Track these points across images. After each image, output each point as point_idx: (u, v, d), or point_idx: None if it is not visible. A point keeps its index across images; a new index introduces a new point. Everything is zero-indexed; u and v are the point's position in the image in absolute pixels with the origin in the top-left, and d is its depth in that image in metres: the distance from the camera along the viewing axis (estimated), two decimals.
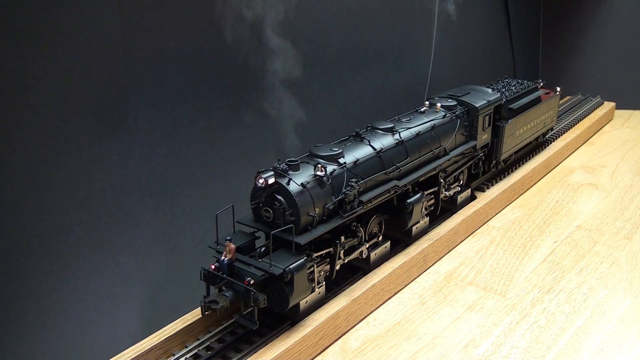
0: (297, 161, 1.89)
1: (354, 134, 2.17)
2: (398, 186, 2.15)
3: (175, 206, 2.21)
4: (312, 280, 1.85)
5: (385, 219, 2.19)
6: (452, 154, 2.47)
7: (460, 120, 2.54)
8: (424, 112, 2.49)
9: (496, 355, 1.85)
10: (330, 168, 1.93)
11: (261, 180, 1.77)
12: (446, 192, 2.49)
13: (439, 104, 2.54)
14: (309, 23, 2.70)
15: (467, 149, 2.58)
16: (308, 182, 1.84)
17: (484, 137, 2.71)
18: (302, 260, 1.76)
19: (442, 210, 2.51)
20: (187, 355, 1.75)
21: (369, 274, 2.12)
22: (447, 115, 2.50)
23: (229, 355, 1.76)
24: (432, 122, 2.39)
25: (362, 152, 2.08)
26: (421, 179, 2.30)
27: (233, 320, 1.85)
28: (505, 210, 2.87)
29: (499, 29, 4.31)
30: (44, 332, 1.83)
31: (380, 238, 2.18)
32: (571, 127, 3.75)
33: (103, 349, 1.85)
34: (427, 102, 2.59)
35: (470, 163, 2.67)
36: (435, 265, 2.38)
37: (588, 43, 4.58)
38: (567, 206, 2.88)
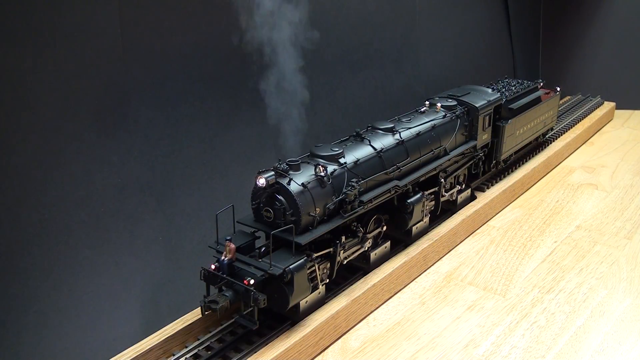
0: (298, 161, 1.89)
1: (355, 134, 2.17)
2: (398, 186, 2.15)
3: (175, 206, 2.21)
4: (312, 280, 1.85)
5: (386, 218, 2.19)
6: (452, 154, 2.47)
7: (460, 120, 2.54)
8: (424, 112, 2.49)
9: (496, 355, 1.85)
10: (330, 168, 1.93)
11: (262, 180, 1.77)
12: (445, 194, 2.48)
13: (439, 104, 2.54)
14: (309, 23, 2.70)
15: (467, 149, 2.58)
16: (309, 182, 1.84)
17: (484, 137, 2.71)
18: (302, 260, 1.76)
19: (442, 210, 2.51)
20: (187, 355, 1.75)
21: (369, 274, 2.12)
22: (447, 115, 2.50)
23: (229, 355, 1.76)
24: (432, 122, 2.39)
25: (362, 152, 2.08)
26: (421, 179, 2.30)
27: (233, 320, 1.85)
28: (505, 210, 2.87)
29: (499, 29, 4.31)
30: (44, 332, 1.83)
31: (383, 230, 2.17)
32: (571, 127, 3.75)
33: (103, 349, 1.85)
34: (427, 102, 2.59)
35: (470, 163, 2.67)
36: (435, 265, 2.38)
37: (588, 43, 4.58)
38: (567, 206, 2.88)
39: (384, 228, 2.16)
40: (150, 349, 1.75)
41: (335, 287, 2.04)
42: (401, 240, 2.33)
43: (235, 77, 2.34)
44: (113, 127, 1.99)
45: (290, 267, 1.72)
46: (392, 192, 2.13)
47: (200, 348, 1.77)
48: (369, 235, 2.07)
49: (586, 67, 4.62)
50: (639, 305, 2.07)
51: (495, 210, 2.82)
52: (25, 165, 1.77)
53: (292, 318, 1.86)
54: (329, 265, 1.93)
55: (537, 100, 3.14)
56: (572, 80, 4.59)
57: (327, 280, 1.94)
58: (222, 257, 1.77)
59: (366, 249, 2.08)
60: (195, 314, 1.88)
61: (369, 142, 2.13)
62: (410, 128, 2.29)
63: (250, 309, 1.71)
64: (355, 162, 2.01)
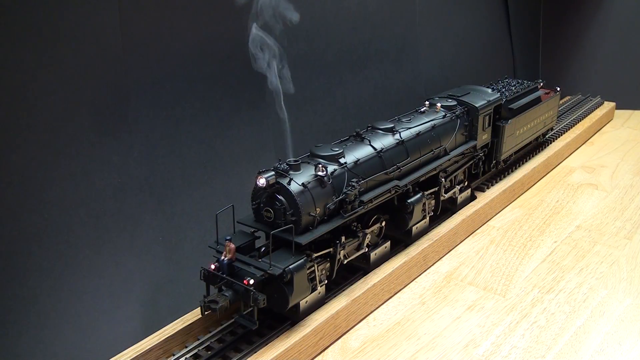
0: (298, 161, 1.89)
1: (355, 134, 2.17)
2: (398, 186, 2.15)
3: (175, 206, 2.21)
4: (312, 280, 1.85)
5: (386, 218, 2.19)
6: (453, 153, 2.47)
7: (460, 120, 2.54)
8: (424, 112, 2.49)
9: (496, 355, 1.85)
10: (331, 168, 1.93)
11: (262, 181, 1.77)
12: (445, 194, 2.48)
13: (439, 104, 2.54)
14: (309, 23, 2.70)
15: (467, 149, 2.58)
16: (309, 182, 1.84)
17: (484, 137, 2.71)
18: (301, 260, 1.76)
19: (442, 210, 2.51)
20: (187, 355, 1.75)
21: (369, 274, 2.12)
22: (447, 115, 2.50)
23: (229, 355, 1.76)
24: (432, 122, 2.39)
25: (362, 152, 2.08)
26: (421, 179, 2.30)
27: (233, 320, 1.85)
28: (505, 210, 2.87)
29: (499, 29, 4.31)
30: (44, 332, 1.83)
31: (383, 226, 2.16)
32: (571, 127, 3.75)
33: (103, 349, 1.85)
34: (427, 102, 2.59)
35: (470, 163, 2.67)
36: (435, 265, 2.38)
37: (588, 43, 4.58)
38: (567, 206, 2.88)
39: (383, 224, 2.16)
40: (150, 349, 1.75)
41: (335, 287, 2.04)
42: (401, 240, 2.33)
43: (235, 77, 2.34)
44: (113, 127, 1.99)
45: (290, 267, 1.72)
46: (392, 192, 2.13)
47: (200, 348, 1.77)
48: (368, 231, 2.07)
49: (586, 67, 4.62)
50: (639, 305, 2.07)
51: (495, 210, 2.82)
52: (25, 165, 1.77)
53: (292, 318, 1.86)
54: (328, 265, 1.93)
55: (537, 101, 3.14)
56: (572, 80, 4.59)
57: (326, 281, 1.94)
58: (222, 257, 1.77)
59: (365, 247, 2.08)
60: (195, 314, 1.88)
61: (369, 142, 2.13)
62: (410, 128, 2.29)
63: (250, 309, 1.71)
64: (356, 162, 2.01)
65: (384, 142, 2.16)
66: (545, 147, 3.41)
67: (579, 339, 1.91)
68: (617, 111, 4.29)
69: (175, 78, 2.16)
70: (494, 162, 2.86)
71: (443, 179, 2.44)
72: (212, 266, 1.76)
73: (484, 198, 2.75)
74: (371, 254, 2.12)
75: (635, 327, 1.96)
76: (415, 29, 3.38)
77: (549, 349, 1.87)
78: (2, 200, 1.73)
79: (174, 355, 1.75)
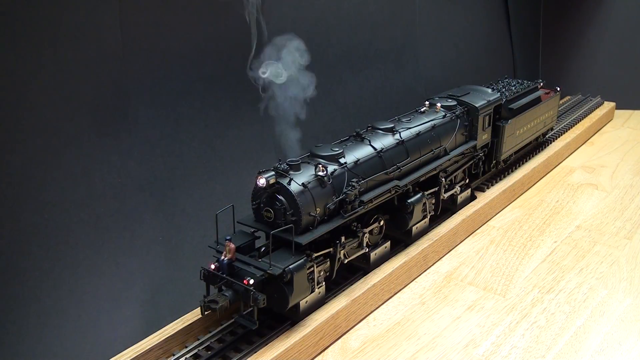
0: (298, 161, 1.89)
1: (355, 134, 2.17)
2: (399, 186, 2.15)
3: (176, 206, 2.21)
4: (312, 280, 1.85)
5: (386, 218, 2.19)
6: (453, 153, 2.47)
7: (460, 120, 2.54)
8: (424, 112, 2.49)
9: (496, 355, 1.85)
10: (331, 168, 1.93)
11: (262, 181, 1.77)
12: (445, 194, 2.48)
13: (439, 104, 2.54)
14: (309, 23, 2.70)
15: (467, 149, 2.58)
16: (309, 182, 1.84)
17: (484, 137, 2.71)
18: (301, 260, 1.76)
19: (442, 210, 2.51)
20: (187, 355, 1.75)
21: (369, 274, 2.12)
22: (447, 115, 2.50)
23: (229, 355, 1.76)
24: (432, 122, 2.39)
25: (362, 152, 2.08)
26: (422, 179, 2.30)
27: (233, 320, 1.85)
28: (505, 210, 2.87)
29: (499, 29, 4.31)
30: (44, 332, 1.83)
31: (381, 225, 2.16)
32: (571, 127, 3.75)
33: (103, 349, 1.85)
34: (427, 102, 2.59)
35: (470, 163, 2.67)
36: (435, 265, 2.38)
37: (588, 43, 4.58)
38: (567, 206, 2.88)
39: (382, 222, 2.16)
40: (150, 349, 1.75)
41: (335, 287, 2.04)
42: (401, 240, 2.33)
43: (235, 77, 2.34)
44: (113, 127, 1.99)
45: (290, 267, 1.72)
46: (392, 192, 2.13)
47: (200, 348, 1.77)
48: (366, 230, 2.06)
49: (586, 67, 4.62)
50: (639, 305, 2.07)
51: (495, 210, 2.82)
52: (25, 165, 1.77)
53: (292, 318, 1.86)
54: (328, 265, 1.93)
55: (537, 100, 3.14)
56: (572, 80, 4.59)
57: (324, 282, 1.93)
58: (222, 257, 1.77)
59: (365, 247, 2.07)
60: (195, 314, 1.88)
61: (369, 142, 2.13)
62: (410, 128, 2.29)
63: (250, 309, 1.71)
64: (356, 162, 2.01)
65: (384, 142, 2.16)
66: (545, 147, 3.41)
67: (579, 339, 1.91)
68: (617, 111, 4.29)
69: (175, 78, 2.16)
70: (494, 162, 2.86)
71: (443, 179, 2.44)
72: (212, 266, 1.76)
73: (484, 198, 2.75)
74: (371, 254, 2.12)
75: (635, 327, 1.96)
76: (415, 29, 3.38)
77: (549, 349, 1.87)
78: (2, 200, 1.73)
79: (174, 355, 1.75)
